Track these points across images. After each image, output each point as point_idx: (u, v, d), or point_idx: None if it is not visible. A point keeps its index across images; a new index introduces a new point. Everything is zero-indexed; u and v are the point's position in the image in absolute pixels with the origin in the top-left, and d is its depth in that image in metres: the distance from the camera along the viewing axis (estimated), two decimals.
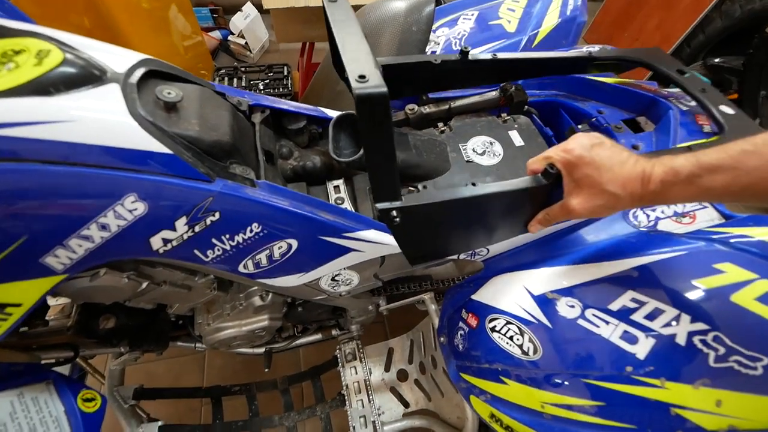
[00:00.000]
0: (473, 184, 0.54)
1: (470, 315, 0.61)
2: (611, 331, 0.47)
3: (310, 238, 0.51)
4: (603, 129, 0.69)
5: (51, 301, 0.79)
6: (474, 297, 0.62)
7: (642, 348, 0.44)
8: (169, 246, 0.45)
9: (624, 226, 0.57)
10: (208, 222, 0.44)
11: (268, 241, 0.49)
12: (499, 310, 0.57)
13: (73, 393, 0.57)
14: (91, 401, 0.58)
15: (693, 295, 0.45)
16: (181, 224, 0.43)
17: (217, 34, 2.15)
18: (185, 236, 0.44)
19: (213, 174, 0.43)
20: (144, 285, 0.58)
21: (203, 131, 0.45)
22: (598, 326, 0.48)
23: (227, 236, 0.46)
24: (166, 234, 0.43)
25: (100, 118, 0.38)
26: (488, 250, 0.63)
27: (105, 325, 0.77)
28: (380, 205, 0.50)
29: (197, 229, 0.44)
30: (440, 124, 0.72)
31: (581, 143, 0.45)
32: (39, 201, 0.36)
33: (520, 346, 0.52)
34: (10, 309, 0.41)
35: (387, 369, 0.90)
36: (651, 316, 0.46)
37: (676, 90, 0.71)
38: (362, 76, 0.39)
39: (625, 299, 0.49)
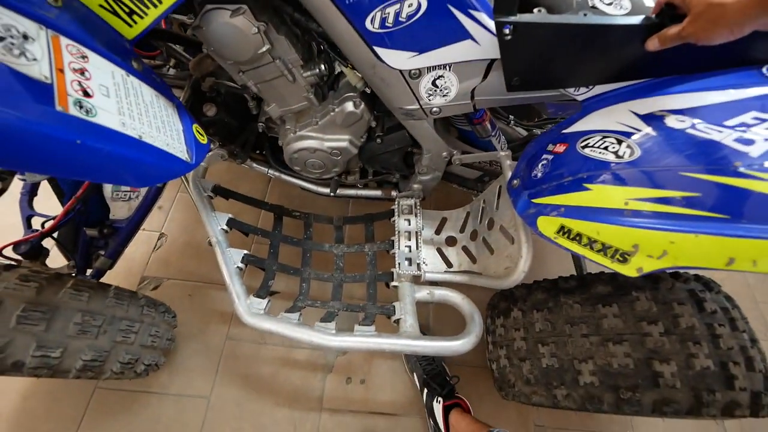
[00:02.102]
0: (584, 15, 0.54)
1: (558, 144, 0.62)
2: (724, 136, 0.46)
3: (440, 2, 0.53)
4: None
5: None
6: (566, 131, 0.63)
7: (757, 148, 0.43)
8: None
9: (754, 74, 0.54)
10: None
11: None
12: (596, 131, 0.57)
13: (190, 122, 0.65)
14: (201, 135, 0.66)
15: None
16: None
17: None
18: None
19: None
20: (264, 48, 0.64)
21: None
22: (708, 134, 0.47)
23: None
24: None
25: None
26: (590, 88, 0.62)
27: (207, 111, 0.86)
28: (497, 17, 0.52)
29: None
30: None
31: None
32: None
33: (615, 152, 0.52)
34: None
35: (437, 233, 0.93)
36: None
37: None
38: None
39: (745, 117, 0.47)
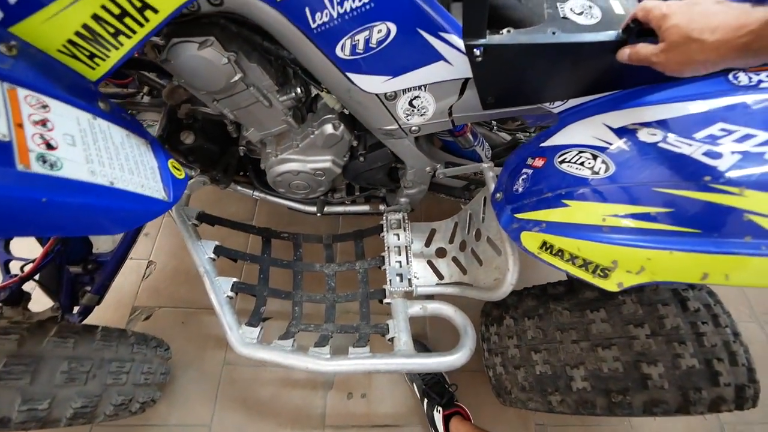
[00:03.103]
0: (553, 33, 0.55)
1: (537, 159, 0.62)
2: (694, 149, 0.47)
3: (409, 27, 0.53)
4: None
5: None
6: (544, 144, 0.63)
7: (725, 162, 0.44)
8: None
9: (721, 82, 0.55)
10: None
11: (370, 18, 0.51)
12: (572, 145, 0.57)
13: (166, 158, 0.64)
14: (178, 170, 0.65)
15: None
16: None
17: None
18: None
19: None
20: (237, 77, 0.63)
21: None
22: (679, 147, 0.48)
23: None
24: None
25: None
26: (564, 101, 0.63)
27: (185, 138, 0.84)
28: (466, 40, 0.52)
29: None
30: None
31: None
32: None
33: (591, 168, 0.53)
34: (148, 13, 0.46)
35: (427, 245, 0.94)
36: (740, 140, 0.45)
37: None
38: None
39: (713, 129, 0.48)
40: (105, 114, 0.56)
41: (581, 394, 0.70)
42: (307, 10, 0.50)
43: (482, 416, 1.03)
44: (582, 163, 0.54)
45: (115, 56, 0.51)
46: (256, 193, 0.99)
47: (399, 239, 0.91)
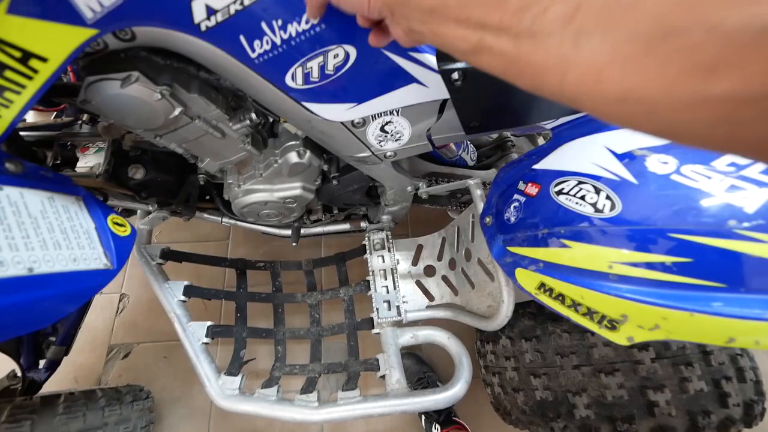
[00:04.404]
0: None
1: (530, 184, 0.55)
2: (714, 185, 0.40)
3: (372, 49, 0.43)
4: None
5: (81, 163, 0.77)
6: (537, 166, 0.56)
7: (752, 201, 0.38)
8: (213, 21, 0.38)
9: None
10: None
11: (323, 42, 0.42)
12: (570, 172, 0.50)
13: (104, 214, 0.55)
14: (121, 226, 0.56)
15: None
16: None
17: None
18: (232, 8, 0.37)
19: None
20: (177, 111, 0.53)
21: None
22: (696, 181, 0.41)
23: (279, 22, 0.39)
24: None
25: None
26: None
27: (134, 174, 0.74)
28: (441, 66, 0.43)
29: (246, 1, 0.37)
30: None
31: None
32: None
33: (594, 204, 0.46)
34: (35, 63, 0.36)
35: (414, 263, 0.87)
36: None
37: None
38: None
39: (734, 156, 0.41)
40: (15, 179, 0.46)
41: (585, 421, 0.67)
42: (242, 38, 0.40)
43: (482, 423, 1.02)
44: (583, 197, 0.47)
45: (8, 115, 0.40)
46: (226, 220, 0.90)
47: (384, 261, 0.84)
